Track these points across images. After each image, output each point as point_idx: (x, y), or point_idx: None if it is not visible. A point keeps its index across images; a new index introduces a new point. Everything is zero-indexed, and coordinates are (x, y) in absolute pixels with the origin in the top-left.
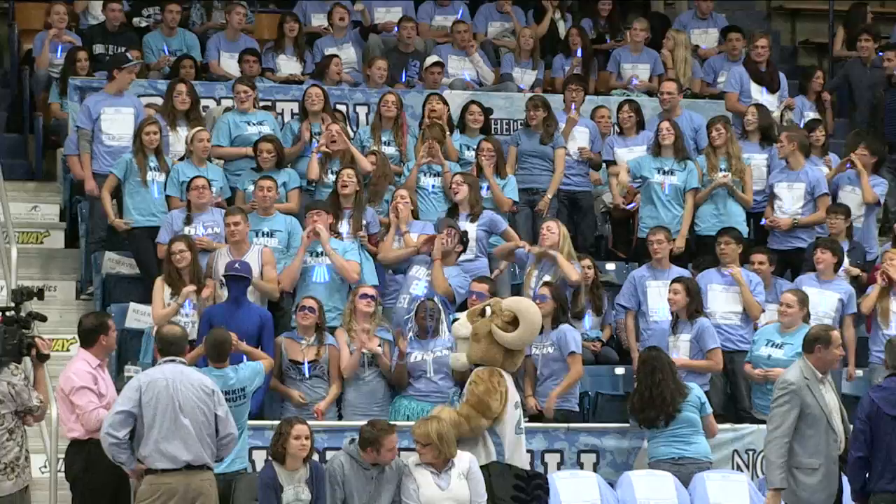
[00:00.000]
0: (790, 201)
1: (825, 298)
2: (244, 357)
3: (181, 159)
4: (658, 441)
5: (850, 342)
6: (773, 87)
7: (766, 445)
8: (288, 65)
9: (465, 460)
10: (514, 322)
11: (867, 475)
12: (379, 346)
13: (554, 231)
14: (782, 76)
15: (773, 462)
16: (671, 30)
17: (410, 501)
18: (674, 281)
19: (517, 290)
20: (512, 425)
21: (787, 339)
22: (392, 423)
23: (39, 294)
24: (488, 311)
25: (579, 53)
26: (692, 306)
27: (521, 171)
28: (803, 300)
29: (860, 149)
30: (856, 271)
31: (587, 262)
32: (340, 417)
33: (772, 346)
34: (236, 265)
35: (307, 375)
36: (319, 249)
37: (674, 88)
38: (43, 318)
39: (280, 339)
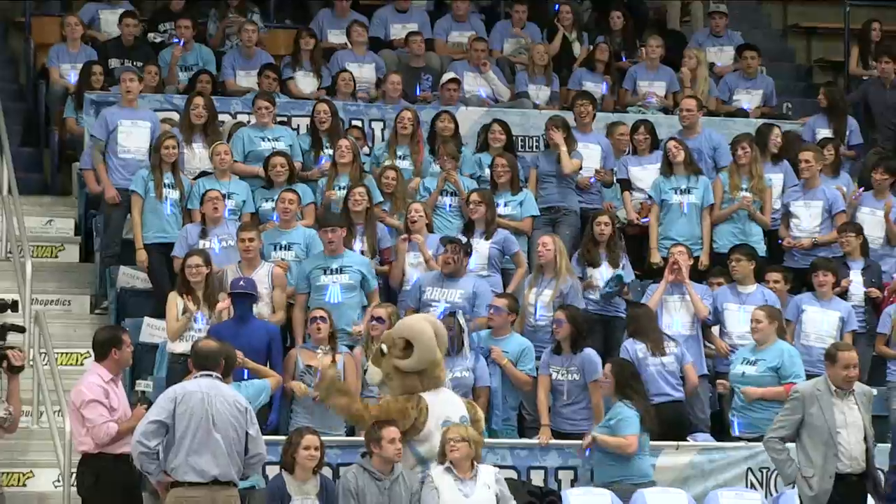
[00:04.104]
0: (808, 220)
1: (827, 317)
2: (246, 373)
3: (204, 174)
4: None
5: None
6: None
7: (764, 444)
8: (305, 81)
9: (490, 472)
10: (408, 346)
11: None
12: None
13: (549, 247)
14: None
15: (774, 458)
16: (692, 48)
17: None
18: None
19: None
20: (437, 444)
21: (760, 356)
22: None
23: (13, 306)
24: (384, 348)
25: (605, 90)
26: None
27: (541, 191)
28: (773, 314)
29: (878, 171)
30: (876, 292)
31: (605, 217)
32: (353, 433)
33: (746, 363)
34: (241, 282)
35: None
36: (334, 266)
37: (694, 106)
38: (21, 329)
39: (295, 350)
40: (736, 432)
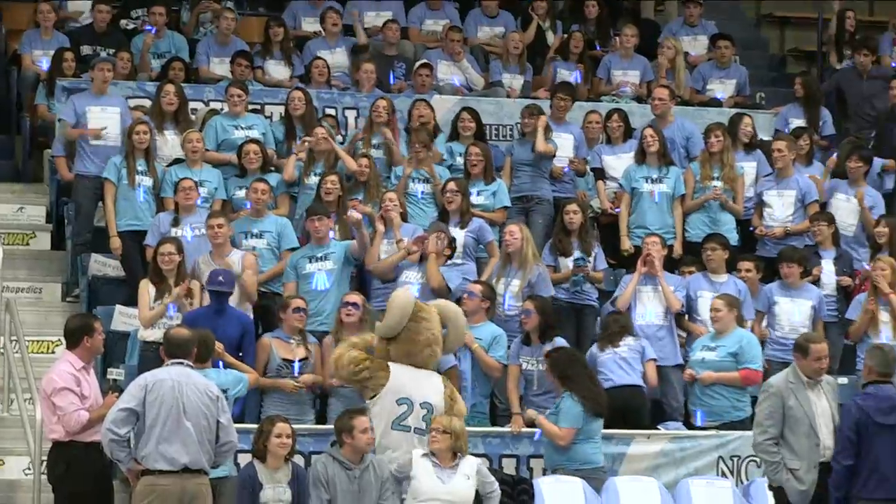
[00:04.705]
0: (781, 209)
1: (798, 307)
2: (220, 363)
3: (176, 161)
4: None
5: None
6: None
7: (755, 448)
8: (276, 69)
9: (471, 463)
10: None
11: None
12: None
13: (517, 236)
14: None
15: (767, 461)
16: (669, 38)
17: (405, 494)
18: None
19: None
20: (388, 419)
21: (719, 343)
22: (363, 407)
23: None
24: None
25: (579, 78)
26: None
27: (514, 180)
28: (731, 303)
29: (853, 160)
30: (848, 280)
31: (574, 206)
32: (325, 421)
33: (706, 349)
34: (220, 278)
35: (297, 374)
36: (319, 254)
37: (666, 95)
38: None
39: (267, 339)
40: (699, 422)
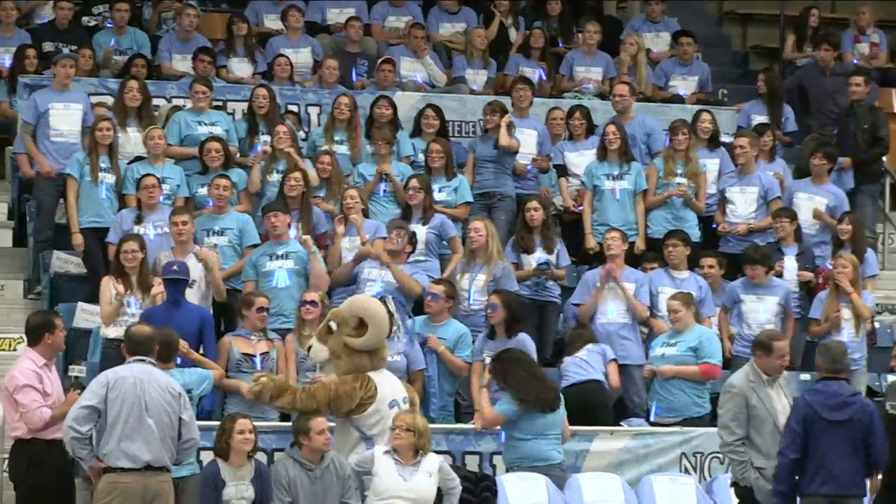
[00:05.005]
0: (743, 205)
1: (764, 305)
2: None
3: (138, 158)
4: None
5: (788, 334)
6: None
7: (722, 449)
8: (239, 66)
9: (434, 461)
10: (362, 325)
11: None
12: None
13: (481, 232)
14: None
15: (735, 461)
16: (632, 34)
17: (367, 492)
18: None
19: None
20: (385, 426)
21: (679, 339)
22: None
23: None
24: (333, 325)
25: (542, 75)
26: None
27: (477, 177)
28: (687, 300)
29: (817, 157)
30: (809, 275)
31: (535, 203)
32: (288, 419)
33: (665, 346)
34: (174, 267)
35: (259, 368)
36: (279, 252)
37: (626, 91)
38: None
39: (227, 337)
40: (652, 417)
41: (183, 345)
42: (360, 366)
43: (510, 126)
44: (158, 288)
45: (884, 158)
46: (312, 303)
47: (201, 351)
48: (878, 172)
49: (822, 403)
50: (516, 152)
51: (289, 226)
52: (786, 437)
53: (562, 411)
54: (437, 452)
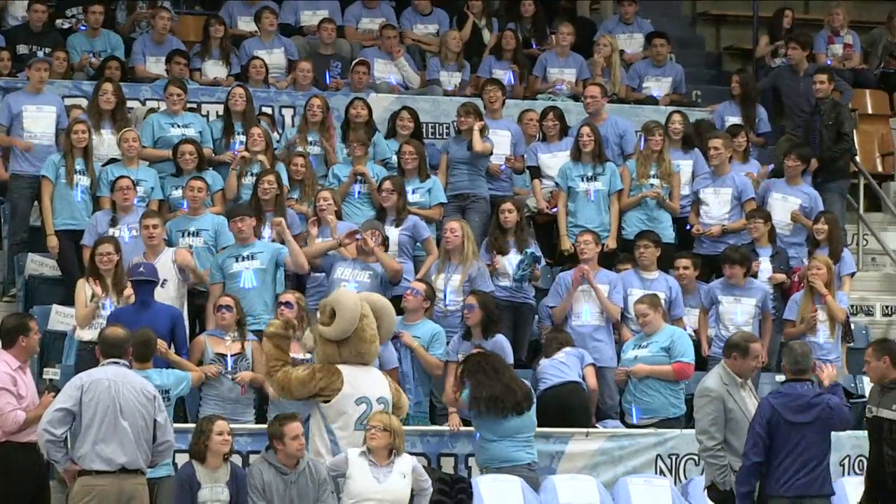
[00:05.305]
0: (717, 206)
1: (741, 307)
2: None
3: (113, 160)
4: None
5: (767, 335)
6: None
7: (702, 455)
8: (214, 69)
9: (407, 462)
10: (333, 315)
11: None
12: (309, 353)
13: (457, 233)
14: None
15: (715, 465)
16: (605, 36)
17: (341, 494)
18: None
19: None
20: (351, 420)
21: (650, 340)
22: (294, 413)
23: None
24: (318, 314)
25: (512, 79)
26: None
27: (451, 178)
28: (654, 303)
29: (791, 158)
30: (781, 278)
31: (508, 205)
32: (264, 421)
33: (638, 348)
34: (140, 269)
35: (230, 367)
36: (245, 253)
37: (598, 92)
38: None
39: (202, 337)
40: (634, 420)
41: (161, 345)
42: (329, 355)
43: (483, 129)
44: (130, 290)
45: (857, 158)
46: (287, 304)
47: (173, 349)
48: (844, 169)
49: (786, 406)
50: (491, 154)
51: (254, 228)
52: (748, 439)
53: (532, 414)
54: (413, 454)
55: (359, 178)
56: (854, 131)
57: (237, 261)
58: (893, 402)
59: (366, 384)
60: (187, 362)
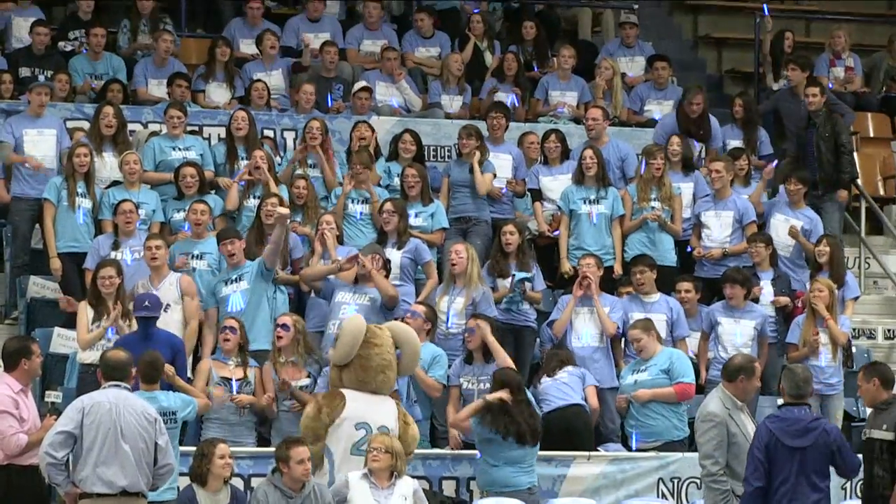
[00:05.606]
0: (718, 230)
1: (740, 328)
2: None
3: (115, 183)
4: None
5: (762, 360)
6: (702, 138)
7: (705, 480)
8: (218, 91)
9: (408, 484)
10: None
11: None
12: (308, 377)
13: (462, 255)
14: (714, 123)
15: (718, 491)
16: (607, 59)
17: None
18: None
19: None
20: (347, 444)
21: (649, 364)
22: (301, 437)
23: None
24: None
25: (515, 102)
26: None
27: (453, 201)
28: (646, 327)
29: (792, 182)
30: (785, 301)
31: (511, 227)
32: (269, 444)
33: (637, 372)
34: (146, 303)
35: (235, 392)
36: (233, 276)
37: (599, 115)
38: None
39: (206, 361)
40: (634, 447)
41: (168, 369)
42: (332, 378)
43: (483, 153)
44: (115, 313)
45: (858, 181)
46: (284, 326)
47: None
48: (844, 182)
49: (783, 430)
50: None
51: (244, 251)
52: (749, 464)
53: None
54: (415, 477)
55: (353, 198)
56: (852, 143)
57: (226, 285)
58: (884, 422)
59: (371, 411)
60: (194, 389)
